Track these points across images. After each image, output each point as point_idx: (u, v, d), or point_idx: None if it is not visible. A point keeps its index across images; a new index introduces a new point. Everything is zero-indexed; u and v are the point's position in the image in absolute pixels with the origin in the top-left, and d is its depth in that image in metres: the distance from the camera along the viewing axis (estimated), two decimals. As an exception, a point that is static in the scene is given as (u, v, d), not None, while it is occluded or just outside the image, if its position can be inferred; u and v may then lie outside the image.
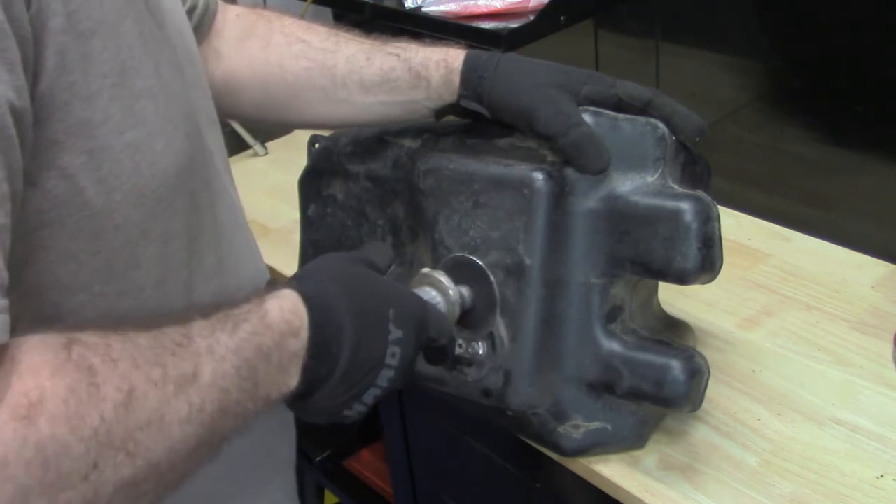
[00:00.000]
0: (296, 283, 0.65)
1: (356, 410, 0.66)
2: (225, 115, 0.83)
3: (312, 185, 1.01)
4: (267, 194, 1.42)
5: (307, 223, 1.02)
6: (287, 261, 1.09)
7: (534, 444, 0.89)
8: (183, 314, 0.59)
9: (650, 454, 0.87)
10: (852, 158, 1.15)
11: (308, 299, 0.64)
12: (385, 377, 0.66)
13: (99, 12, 0.59)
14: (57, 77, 0.56)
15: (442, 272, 0.78)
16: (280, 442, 0.87)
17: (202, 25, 0.89)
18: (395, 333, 0.67)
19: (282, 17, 0.92)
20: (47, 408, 0.48)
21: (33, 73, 0.55)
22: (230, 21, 0.92)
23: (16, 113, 0.52)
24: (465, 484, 1.16)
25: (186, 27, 0.76)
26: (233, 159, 1.53)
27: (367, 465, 1.59)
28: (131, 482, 0.52)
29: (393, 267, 0.96)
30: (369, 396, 0.66)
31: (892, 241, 1.11)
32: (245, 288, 0.78)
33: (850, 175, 1.16)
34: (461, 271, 0.78)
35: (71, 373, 0.50)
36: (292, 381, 0.62)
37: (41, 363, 0.50)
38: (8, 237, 0.51)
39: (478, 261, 0.78)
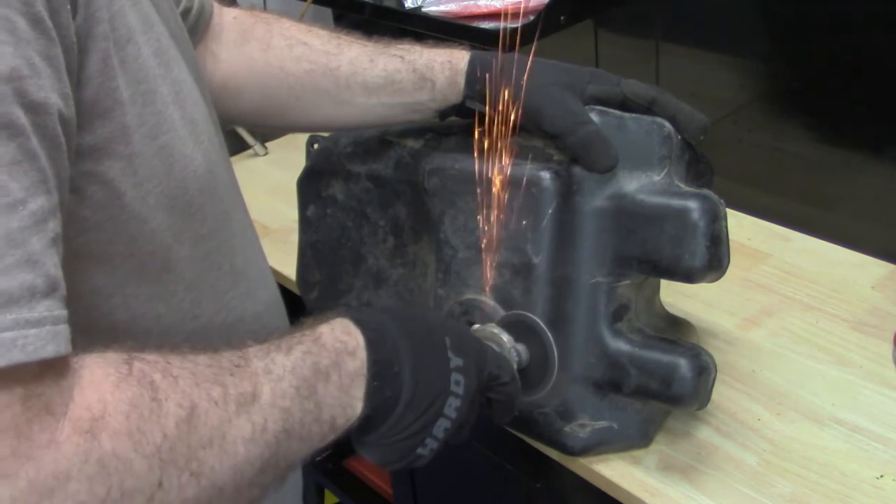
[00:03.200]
0: (343, 311, 0.65)
1: (429, 448, 0.65)
2: (224, 119, 0.83)
3: (312, 185, 1.00)
4: (267, 194, 1.42)
5: (306, 224, 1.02)
6: (287, 260, 1.09)
7: (539, 444, 0.89)
8: (235, 340, 0.58)
9: (650, 454, 0.87)
10: (852, 158, 1.15)
11: (359, 322, 0.63)
12: (452, 406, 0.64)
13: (130, 19, 0.60)
14: (101, 84, 0.57)
15: (499, 327, 0.76)
16: None
17: (197, 28, 0.88)
18: (455, 361, 0.65)
19: (280, 20, 0.92)
20: (109, 422, 0.48)
21: (77, 80, 0.55)
22: (227, 24, 0.91)
23: (63, 121, 0.52)
24: (465, 484, 1.16)
25: (183, 30, 0.76)
26: (233, 159, 1.53)
27: (367, 465, 1.59)
28: None
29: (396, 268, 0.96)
30: (439, 429, 0.64)
31: (892, 241, 1.11)
32: (258, 291, 0.78)
33: (850, 175, 1.16)
34: (518, 330, 0.76)
35: (133, 387, 0.49)
36: (357, 403, 0.61)
37: (103, 376, 0.49)
38: (61, 247, 0.51)
39: (536, 319, 0.76)
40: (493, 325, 0.77)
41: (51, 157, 0.50)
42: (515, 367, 0.75)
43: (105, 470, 0.47)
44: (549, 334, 0.75)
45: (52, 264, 0.48)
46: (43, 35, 0.50)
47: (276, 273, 1.20)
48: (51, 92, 0.50)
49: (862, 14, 1.07)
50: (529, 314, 0.77)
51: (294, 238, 1.04)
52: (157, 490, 0.49)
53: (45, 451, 0.46)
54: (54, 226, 0.50)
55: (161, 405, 0.50)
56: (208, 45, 0.90)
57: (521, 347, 0.76)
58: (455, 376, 0.65)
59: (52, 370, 0.48)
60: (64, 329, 0.48)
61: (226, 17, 0.91)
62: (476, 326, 0.78)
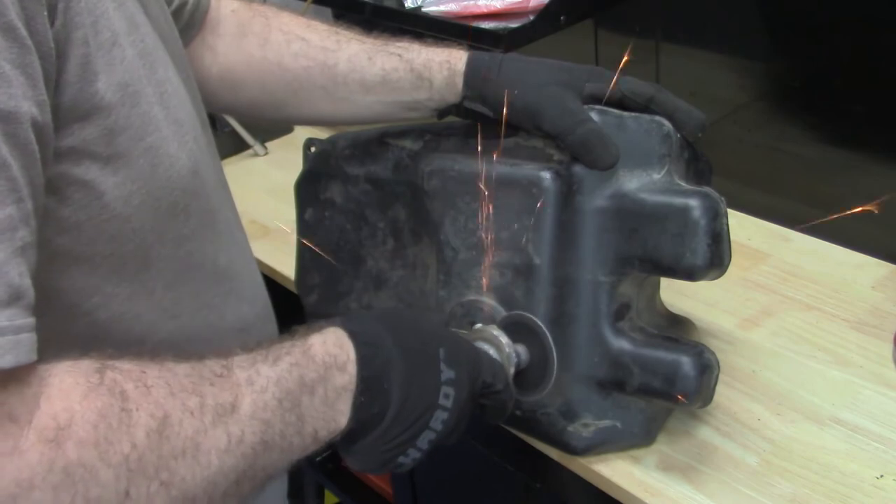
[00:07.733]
0: (339, 320, 0.64)
1: (411, 457, 0.65)
2: (221, 110, 0.83)
3: (309, 188, 1.00)
4: (267, 194, 1.41)
5: (304, 227, 1.02)
6: (287, 260, 1.08)
7: (541, 444, 0.89)
8: (223, 347, 0.58)
9: (650, 454, 0.87)
10: (852, 158, 1.15)
11: (353, 334, 0.62)
12: (439, 419, 0.64)
13: (115, 22, 0.60)
14: (80, 88, 0.57)
15: (498, 328, 0.76)
16: None
17: (194, 21, 0.88)
18: (448, 373, 0.65)
19: (279, 14, 0.92)
20: (76, 432, 0.47)
21: (56, 85, 0.55)
22: (226, 17, 0.91)
23: (37, 129, 0.52)
24: (465, 484, 1.16)
25: (173, 28, 0.76)
26: (233, 159, 1.54)
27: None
28: None
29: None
30: (424, 441, 0.64)
31: (892, 241, 1.11)
32: (242, 289, 0.78)
33: (850, 175, 1.16)
34: (517, 330, 0.76)
35: (103, 397, 0.49)
36: (342, 418, 0.61)
37: (72, 386, 0.49)
38: (34, 255, 0.51)
39: (536, 320, 0.76)
40: (493, 326, 0.77)
41: (23, 166, 0.50)
42: (514, 369, 0.75)
43: (70, 478, 0.47)
44: (549, 335, 0.75)
45: (16, 273, 0.48)
46: (16, 44, 0.50)
47: (275, 273, 1.21)
48: (23, 100, 0.50)
49: (862, 14, 1.07)
50: (529, 315, 0.77)
51: (294, 238, 1.04)
52: (125, 499, 0.49)
53: (8, 459, 0.46)
54: (24, 234, 0.49)
55: (131, 415, 0.49)
56: (206, 37, 0.90)
57: (520, 349, 0.76)
58: (445, 389, 0.64)
59: (14, 379, 0.47)
60: (27, 338, 0.48)
61: (224, 10, 0.91)
62: (478, 326, 0.78)
